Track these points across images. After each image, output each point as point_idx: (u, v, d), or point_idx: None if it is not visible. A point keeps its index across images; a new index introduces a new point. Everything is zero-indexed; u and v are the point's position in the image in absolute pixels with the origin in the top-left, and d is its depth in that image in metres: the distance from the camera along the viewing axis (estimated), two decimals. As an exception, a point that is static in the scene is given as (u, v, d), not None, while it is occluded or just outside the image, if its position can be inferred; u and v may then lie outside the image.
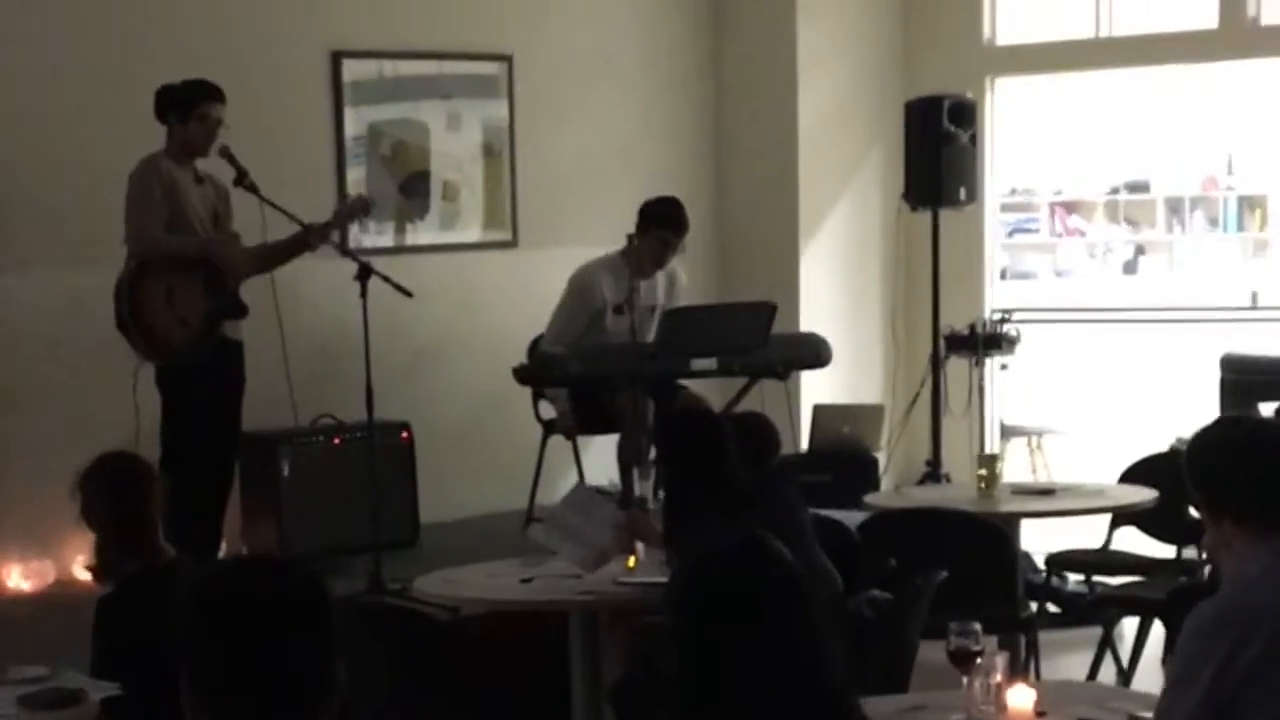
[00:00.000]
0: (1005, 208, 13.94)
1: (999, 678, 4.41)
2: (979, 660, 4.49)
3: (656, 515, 6.33)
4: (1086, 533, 8.44)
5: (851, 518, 7.40)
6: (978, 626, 4.54)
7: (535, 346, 9.47)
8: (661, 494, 7.22)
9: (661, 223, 9.09)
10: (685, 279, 9.46)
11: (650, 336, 8.86)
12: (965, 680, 4.44)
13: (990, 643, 5.09)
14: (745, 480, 5.97)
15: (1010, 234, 16.41)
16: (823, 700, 3.19)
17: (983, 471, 7.80)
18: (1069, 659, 8.00)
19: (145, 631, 4.92)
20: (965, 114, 10.34)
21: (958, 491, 8.56)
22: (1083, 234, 18.28)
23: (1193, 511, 4.32)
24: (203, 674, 2.82)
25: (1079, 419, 11.99)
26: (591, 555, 6.22)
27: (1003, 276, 12.87)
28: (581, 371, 8.83)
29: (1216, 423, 4.03)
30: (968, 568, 6.69)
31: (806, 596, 3.23)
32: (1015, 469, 10.77)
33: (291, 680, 2.81)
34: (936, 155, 10.19)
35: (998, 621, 7.08)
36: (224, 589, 2.87)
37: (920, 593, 6.13)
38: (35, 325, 8.66)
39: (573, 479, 9.42)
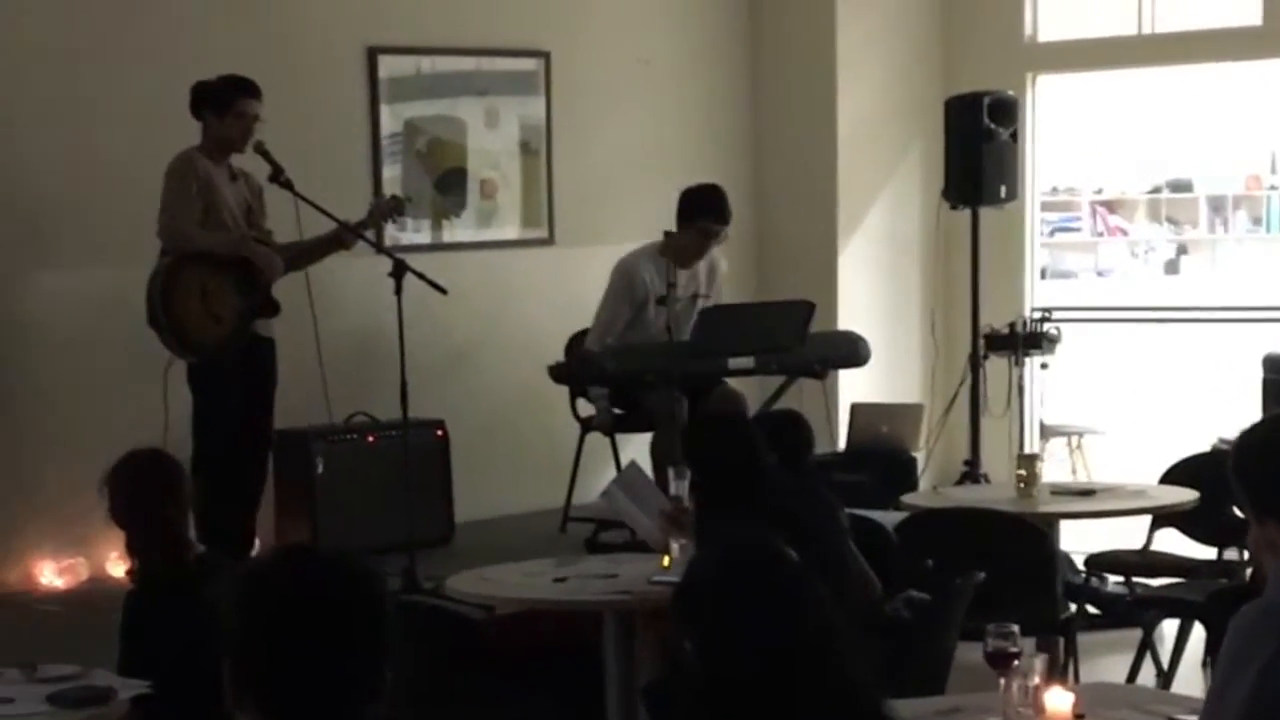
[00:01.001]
0: (1047, 206, 13.86)
1: (1037, 680, 4.34)
2: (1016, 662, 4.42)
3: None
4: (1127, 534, 8.36)
5: (889, 518, 7.34)
6: (1015, 628, 4.47)
7: (573, 344, 9.43)
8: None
9: (703, 212, 8.93)
10: (726, 266, 9.39)
11: (691, 327, 8.79)
12: (1002, 682, 4.38)
13: (1029, 644, 5.04)
14: (777, 481, 5.92)
15: (1051, 233, 16.35)
16: (840, 699, 3.15)
17: (1022, 472, 7.71)
18: (1109, 661, 7.92)
19: (172, 628, 4.92)
20: (1006, 111, 10.27)
21: (996, 492, 8.48)
22: (1124, 233, 18.21)
23: (1236, 512, 4.26)
24: (249, 667, 2.75)
25: (1120, 419, 11.91)
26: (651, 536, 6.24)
27: (1043, 275, 12.78)
28: (617, 369, 8.78)
29: (1262, 422, 3.97)
30: (1006, 569, 6.62)
31: (816, 595, 3.19)
32: (1055, 469, 10.70)
33: (342, 677, 2.75)
34: (977, 153, 10.12)
35: (1036, 623, 7.02)
36: (278, 582, 2.81)
37: (958, 594, 6.07)
38: (69, 323, 8.66)
39: (610, 477, 9.36)
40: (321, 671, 2.74)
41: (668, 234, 8.94)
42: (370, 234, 8.55)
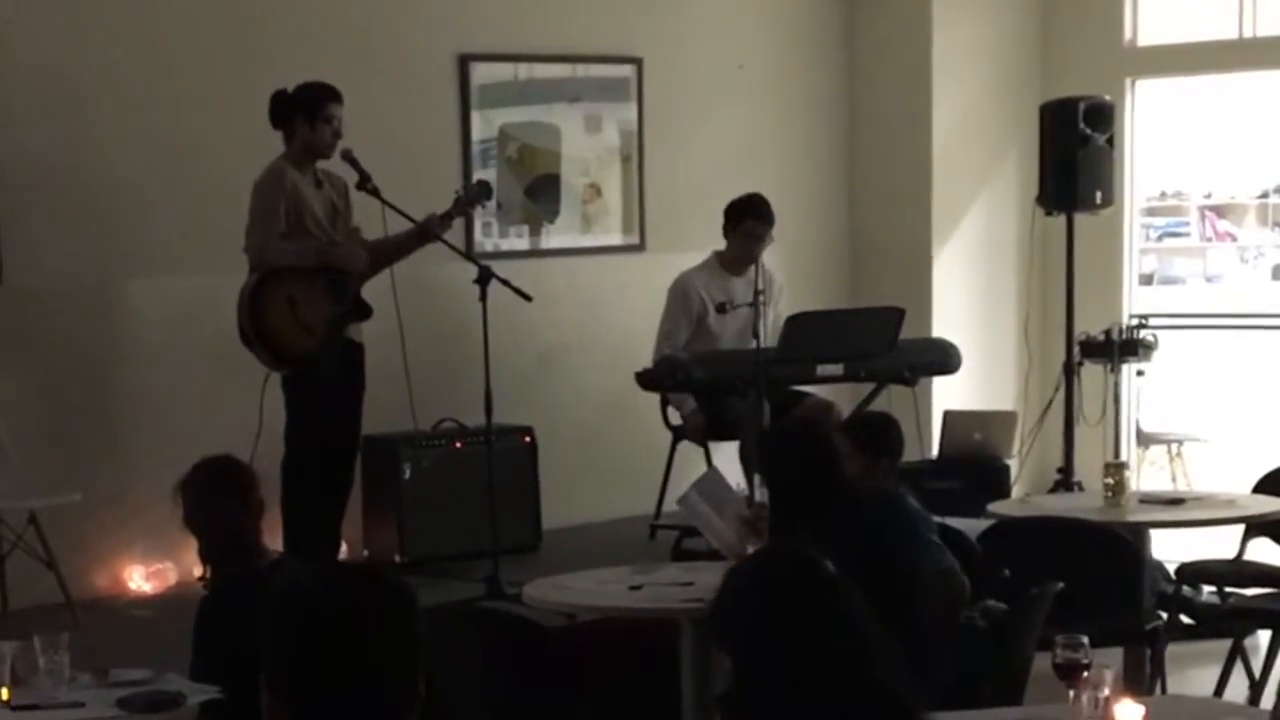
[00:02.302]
0: (1154, 211, 13.74)
1: (1107, 691, 4.28)
2: (1086, 674, 4.36)
3: None
4: (1223, 543, 8.25)
5: (977, 526, 7.27)
6: (1085, 639, 4.42)
7: (661, 351, 9.44)
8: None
9: (746, 214, 9.17)
10: (781, 279, 9.45)
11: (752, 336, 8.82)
12: (1072, 694, 4.32)
13: (1111, 655, 4.98)
14: (853, 489, 5.88)
15: (1160, 238, 16.17)
16: (878, 710, 3.12)
17: (1109, 480, 7.63)
18: (1201, 672, 7.82)
19: (242, 635, 4.94)
20: (1102, 116, 10.18)
21: (1085, 500, 8.40)
22: (1233, 238, 17.98)
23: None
24: (281, 680, 2.77)
25: (1223, 426, 11.76)
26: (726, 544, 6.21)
27: (1151, 281, 12.65)
28: (703, 376, 8.78)
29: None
30: (1092, 578, 6.55)
31: (852, 605, 3.17)
32: (1155, 477, 10.58)
33: (370, 691, 2.76)
34: (1072, 158, 10.04)
35: (1122, 633, 6.95)
36: (306, 596, 2.82)
37: (1035, 603, 6.00)
38: (159, 330, 8.75)
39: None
40: (351, 684, 2.75)
41: (717, 252, 9.23)
42: (459, 241, 8.57)
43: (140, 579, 8.57)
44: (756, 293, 8.60)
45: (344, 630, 2.76)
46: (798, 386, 9.10)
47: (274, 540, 6.93)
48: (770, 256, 9.20)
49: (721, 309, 8.94)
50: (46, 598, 7.88)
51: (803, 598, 3.17)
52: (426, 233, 8.27)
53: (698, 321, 9.21)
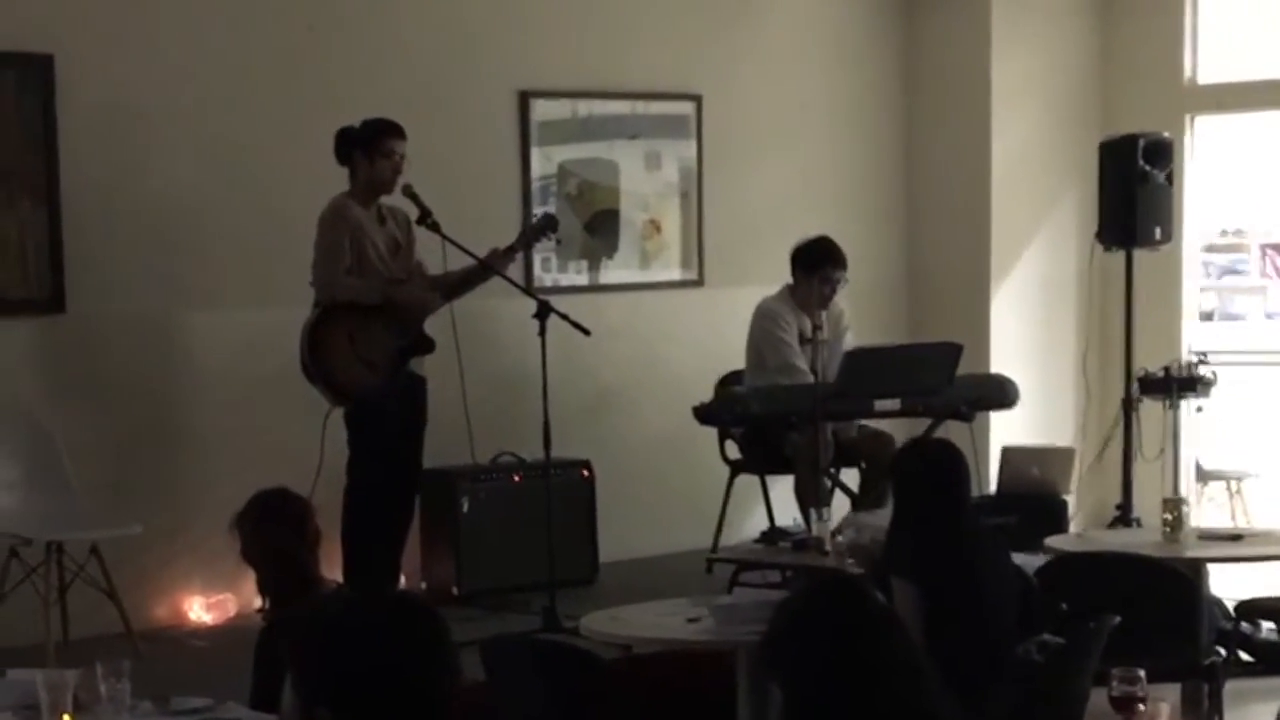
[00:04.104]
0: (1214, 249, 13.69)
1: (1162, 725, 4.29)
2: (1142, 707, 4.36)
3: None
4: (1283, 579, 8.23)
5: (1035, 561, 7.26)
6: (1141, 672, 4.41)
7: (722, 385, 9.44)
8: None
9: (823, 260, 9.15)
10: (848, 314, 9.43)
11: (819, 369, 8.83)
12: (1127, 728, 4.32)
13: (1168, 691, 4.97)
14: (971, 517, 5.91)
15: (1220, 275, 16.13)
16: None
17: (1168, 516, 7.60)
18: (1260, 708, 7.76)
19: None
20: (1161, 153, 10.15)
21: (1143, 535, 8.37)
22: (1293, 276, 17.93)
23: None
24: (319, 704, 2.81)
25: (1284, 463, 11.70)
26: None
27: (1211, 318, 12.60)
28: (761, 411, 8.80)
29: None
30: (1149, 613, 6.52)
31: (899, 636, 3.17)
32: (1214, 513, 10.53)
33: (406, 715, 2.80)
34: (1131, 195, 10.01)
35: (1180, 669, 6.92)
36: (333, 626, 2.87)
37: (1091, 638, 5.98)
38: (222, 363, 8.82)
39: (759, 518, 9.39)
40: (387, 709, 2.79)
41: (789, 286, 9.20)
42: (518, 276, 8.61)
43: (200, 610, 8.63)
44: (815, 328, 8.63)
45: (377, 657, 2.81)
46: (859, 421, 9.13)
47: (333, 572, 6.98)
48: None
49: (805, 342, 8.92)
50: (107, 628, 7.93)
51: (853, 630, 3.17)
52: (489, 267, 8.32)
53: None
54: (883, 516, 6.70)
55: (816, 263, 9.16)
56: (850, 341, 9.27)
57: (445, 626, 2.96)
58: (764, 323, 9.21)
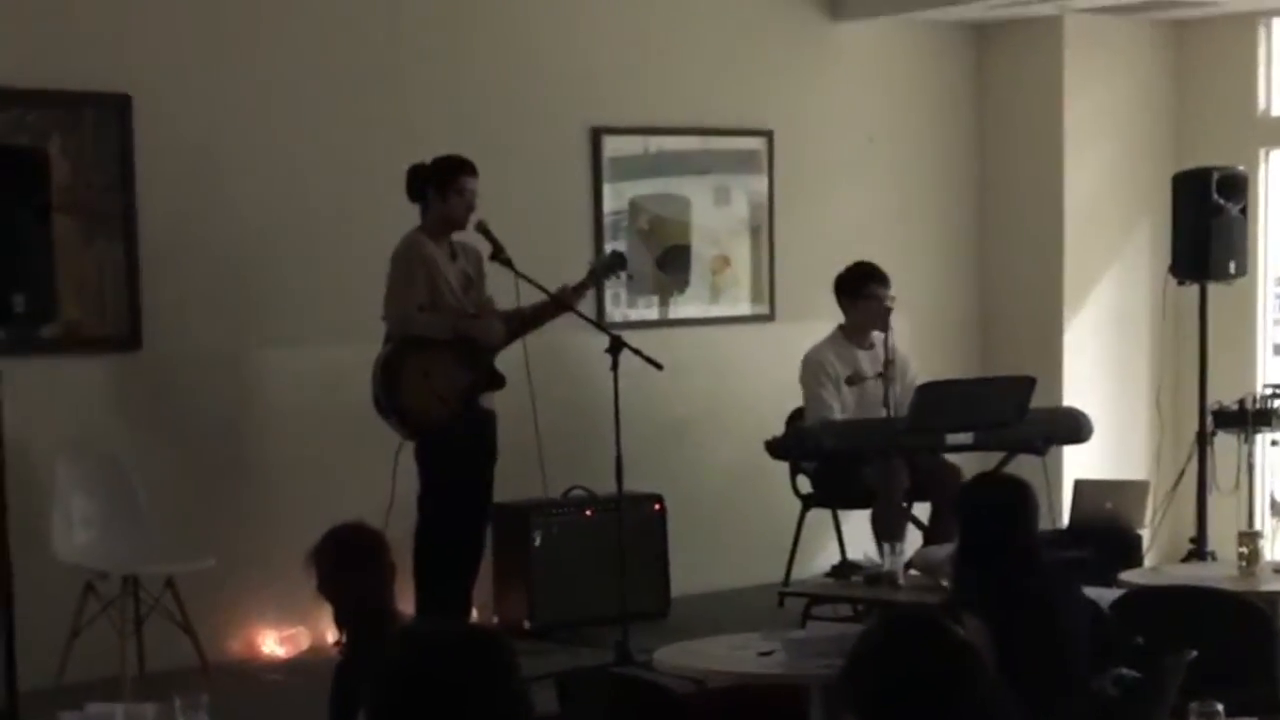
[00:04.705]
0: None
1: (1238, 759, 4.26)
2: (1219, 741, 4.34)
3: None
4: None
5: (1109, 595, 7.23)
6: (1219, 706, 4.39)
7: (793, 420, 9.44)
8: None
9: (866, 280, 9.18)
10: (906, 354, 9.41)
11: (882, 407, 8.83)
12: (1204, 762, 4.30)
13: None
14: (1040, 552, 5.87)
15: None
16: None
17: (1243, 550, 7.57)
18: (1338, 745, 7.71)
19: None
20: (1235, 186, 10.10)
21: (1218, 569, 8.31)
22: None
23: None
24: None
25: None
26: None
27: (1283, 353, 12.49)
28: (834, 445, 8.79)
29: None
30: (1224, 648, 6.48)
31: (979, 671, 3.16)
32: (1291, 548, 10.45)
33: None
34: (1205, 228, 9.95)
35: (1256, 704, 6.86)
36: (406, 662, 2.89)
37: (1168, 672, 5.95)
38: (295, 399, 8.87)
39: (830, 552, 9.38)
40: None
41: (841, 326, 9.24)
42: (590, 310, 8.64)
43: (273, 643, 8.68)
44: (887, 363, 8.64)
45: (449, 693, 2.83)
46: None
47: (406, 606, 7.00)
48: (900, 327, 9.20)
49: (849, 381, 8.99)
50: (182, 661, 7.98)
51: (932, 664, 3.15)
52: (560, 303, 8.35)
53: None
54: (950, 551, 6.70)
55: (859, 284, 9.20)
56: (912, 382, 9.23)
57: (516, 659, 2.97)
58: (804, 375, 9.25)
